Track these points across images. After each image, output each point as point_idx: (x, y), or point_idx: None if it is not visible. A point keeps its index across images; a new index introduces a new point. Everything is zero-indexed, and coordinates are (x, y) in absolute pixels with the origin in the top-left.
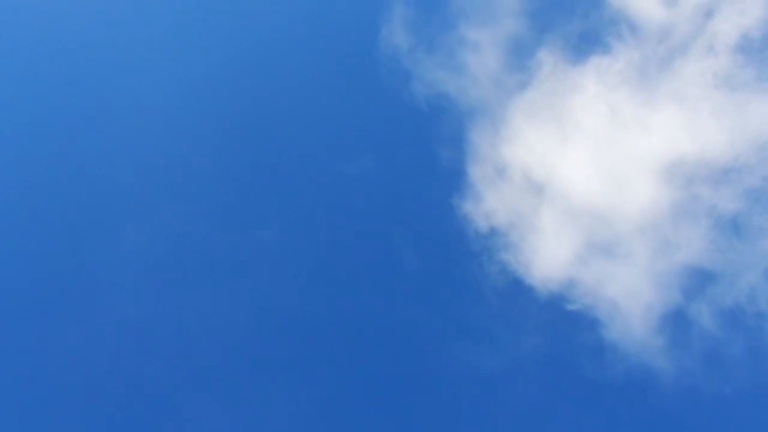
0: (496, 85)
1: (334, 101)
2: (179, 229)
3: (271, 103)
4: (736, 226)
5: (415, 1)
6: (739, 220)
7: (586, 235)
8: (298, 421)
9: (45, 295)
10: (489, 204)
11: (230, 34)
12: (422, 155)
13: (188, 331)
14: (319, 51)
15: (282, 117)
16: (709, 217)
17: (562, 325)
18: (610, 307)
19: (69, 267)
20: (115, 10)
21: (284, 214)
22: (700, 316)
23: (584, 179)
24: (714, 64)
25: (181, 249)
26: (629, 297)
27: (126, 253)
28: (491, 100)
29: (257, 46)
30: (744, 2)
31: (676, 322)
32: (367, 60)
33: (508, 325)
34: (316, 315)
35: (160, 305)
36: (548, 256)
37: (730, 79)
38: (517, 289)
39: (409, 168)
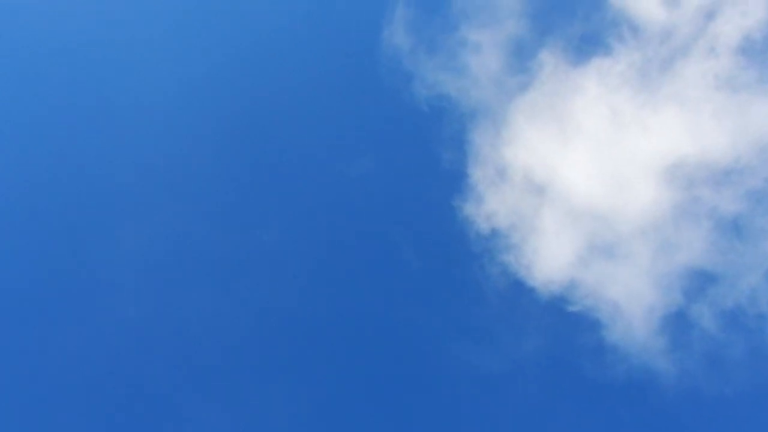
0: (497, 87)
1: (335, 102)
2: (179, 229)
3: (272, 103)
4: (738, 228)
5: (416, 2)
6: (740, 222)
7: (587, 236)
8: (298, 421)
9: (45, 295)
10: (490, 205)
11: (231, 35)
12: (423, 156)
13: (189, 331)
14: (320, 51)
15: (283, 117)
16: (710, 219)
17: (563, 326)
18: (611, 308)
19: (69, 267)
20: (115, 10)
21: (285, 214)
22: (701, 318)
23: (585, 180)
24: (715, 65)
25: (181, 249)
26: (630, 298)
27: (126, 253)
28: (492, 101)
29: (258, 46)
30: (745, 4)
31: (677, 324)
32: (368, 61)
33: (509, 326)
34: (317, 316)
35: (160, 305)
36: (549, 257)
37: (732, 80)
38: (518, 290)
39: (410, 169)
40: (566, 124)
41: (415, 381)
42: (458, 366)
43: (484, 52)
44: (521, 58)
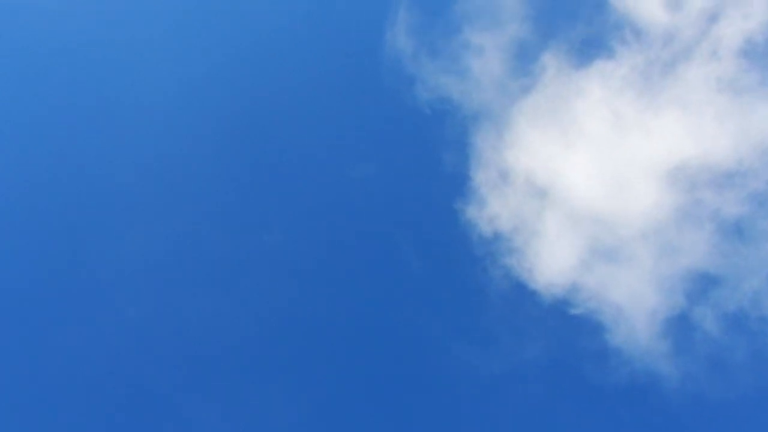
0: (499, 90)
1: (338, 104)
2: (181, 230)
3: (275, 106)
4: (740, 231)
5: (418, 5)
6: (742, 225)
7: (589, 239)
8: (301, 422)
9: (46, 296)
10: (492, 208)
11: (233, 38)
12: (425, 159)
13: (190, 333)
14: (323, 54)
15: (285, 120)
16: (712, 222)
17: (566, 329)
18: (613, 311)
19: (69, 268)
20: (115, 10)
21: (286, 216)
22: (703, 321)
23: (588, 183)
24: (718, 68)
25: (183, 250)
26: (633, 301)
27: (127, 254)
28: (495, 104)
29: (261, 49)
30: (748, 6)
31: (679, 327)
32: (370, 63)
33: (511, 330)
34: (319, 318)
35: (161, 306)
36: (552, 260)
37: (734, 83)
38: (521, 293)
39: (412, 172)
40: (569, 127)
41: (417, 384)
42: (461, 369)
43: (486, 55)
44: (524, 61)
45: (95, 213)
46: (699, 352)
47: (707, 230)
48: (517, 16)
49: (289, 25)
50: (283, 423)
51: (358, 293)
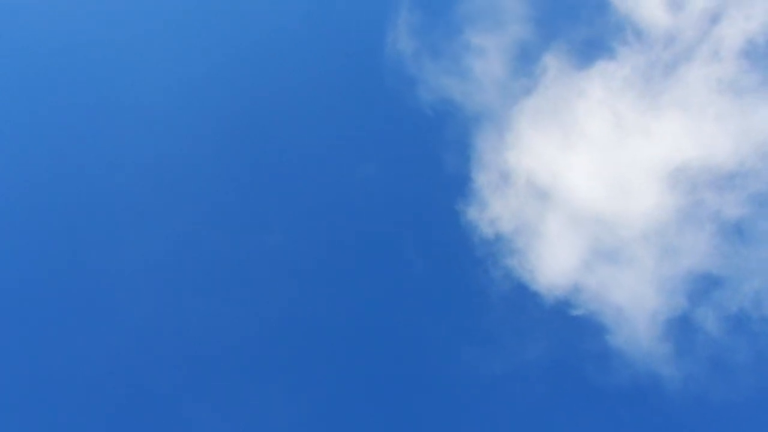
0: (501, 91)
1: (339, 106)
2: (183, 232)
3: (276, 107)
4: (741, 232)
5: (420, 6)
6: (743, 226)
7: (590, 240)
8: (303, 424)
9: (46, 296)
10: (494, 209)
11: (235, 39)
12: (427, 160)
13: (191, 334)
14: (325, 55)
15: (287, 121)
16: (713, 223)
17: (567, 330)
18: (615, 312)
19: (69, 269)
20: (115, 10)
21: (288, 218)
22: (705, 322)
23: (589, 184)
24: (719, 69)
25: (184, 252)
26: (634, 302)
27: (127, 255)
28: (496, 105)
29: (262, 50)
30: (749, 7)
31: (681, 328)
32: (372, 64)
33: (513, 331)
34: (321, 320)
35: (162, 308)
36: (553, 261)
37: (735, 84)
38: (522, 294)
39: (414, 173)
40: (570, 128)
41: (419, 385)
42: (462, 370)
43: (488, 56)
44: (525, 62)
45: (95, 213)
46: (700, 353)
47: (708, 231)
48: (519, 17)
49: (291, 25)
50: (286, 424)
51: (360, 294)
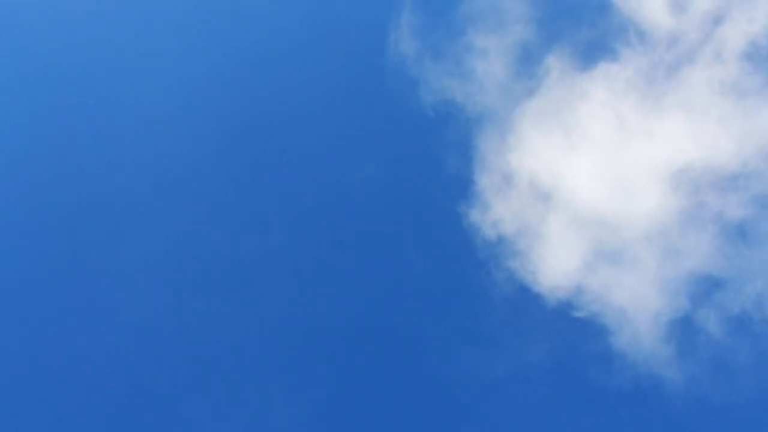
0: (503, 92)
1: (341, 107)
2: (184, 233)
3: (278, 108)
4: (743, 233)
5: (422, 7)
6: (746, 227)
7: (593, 242)
8: (304, 425)
9: (47, 297)
10: (496, 211)
11: (236, 40)
12: (429, 162)
13: (192, 335)
14: (326, 56)
15: (288, 122)
16: (716, 224)
17: (570, 332)
18: (617, 314)
19: (69, 270)
20: (115, 10)
21: (289, 219)
22: (707, 323)
23: (591, 186)
24: (721, 71)
25: (185, 254)
26: (637, 304)
27: (127, 256)
28: (498, 106)
29: (264, 51)
30: (752, 9)
31: (683, 329)
32: (374, 66)
33: (515, 332)
34: (322, 321)
35: (163, 309)
36: (555, 263)
37: (738, 86)
38: (524, 296)
39: (416, 174)
40: (572, 130)
41: (421, 387)
42: (464, 371)
43: (490, 57)
44: (527, 64)
45: (95, 213)
46: (703, 355)
47: (711, 233)
48: (521, 18)
49: (292, 26)
50: (286, 424)
51: (362, 296)
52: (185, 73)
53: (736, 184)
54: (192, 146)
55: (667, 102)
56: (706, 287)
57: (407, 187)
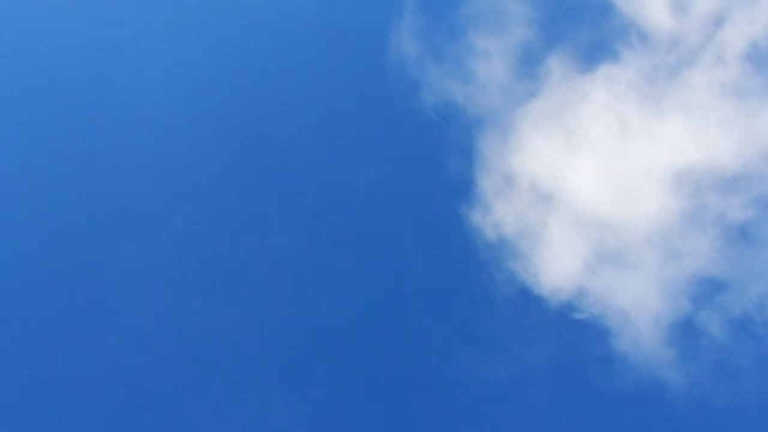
0: (504, 94)
1: (342, 108)
2: (184, 235)
3: (278, 110)
4: (745, 235)
5: (423, 9)
6: (747, 229)
7: (594, 244)
8: (305, 426)
9: (46, 297)
10: (497, 213)
11: (237, 41)
12: (430, 164)
13: (193, 336)
14: (328, 58)
15: (289, 124)
16: (717, 226)
17: (571, 334)
18: (619, 316)
19: (69, 270)
20: (115, 10)
21: (291, 221)
22: (709, 325)
23: (593, 188)
24: (723, 73)
25: (186, 255)
26: (638, 306)
27: (127, 257)
28: (500, 108)
29: (265, 52)
30: (753, 11)
31: (685, 331)
32: (375, 67)
33: (516, 335)
34: (324, 323)
35: (163, 310)
36: (557, 265)
37: (739, 88)
38: (526, 298)
39: (417, 176)
40: (574, 132)
41: (422, 388)
42: (465, 374)
43: (491, 59)
44: (529, 66)
45: (96, 214)
46: (704, 357)
47: (712, 234)
48: (523, 20)
49: (294, 27)
50: (286, 425)
51: (362, 298)
52: (186, 73)
53: (737, 186)
54: (192, 147)
55: (669, 104)
56: (708, 289)
57: (408, 188)
